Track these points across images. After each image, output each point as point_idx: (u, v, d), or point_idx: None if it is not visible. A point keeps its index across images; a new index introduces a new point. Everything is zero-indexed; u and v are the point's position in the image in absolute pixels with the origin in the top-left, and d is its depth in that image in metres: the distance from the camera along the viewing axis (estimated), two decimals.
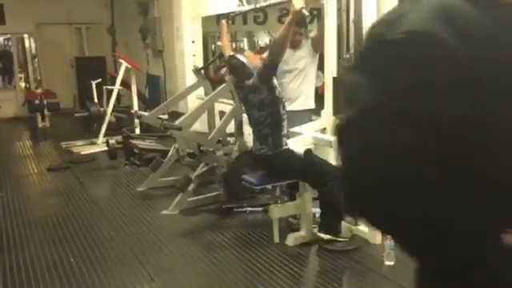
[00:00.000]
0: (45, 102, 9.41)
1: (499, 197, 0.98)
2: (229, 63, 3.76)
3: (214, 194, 4.64)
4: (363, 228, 3.72)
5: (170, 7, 8.51)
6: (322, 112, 3.99)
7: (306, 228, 3.70)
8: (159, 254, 3.65)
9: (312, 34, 4.60)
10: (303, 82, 4.47)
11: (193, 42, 8.20)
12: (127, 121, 7.83)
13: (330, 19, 3.81)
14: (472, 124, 0.92)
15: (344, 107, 1.04)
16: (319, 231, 3.59)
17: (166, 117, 5.76)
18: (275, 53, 3.48)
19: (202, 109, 4.96)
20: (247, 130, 4.84)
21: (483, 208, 0.93)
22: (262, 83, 3.54)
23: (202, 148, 4.70)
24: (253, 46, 11.22)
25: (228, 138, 5.19)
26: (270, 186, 3.89)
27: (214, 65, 6.80)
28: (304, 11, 3.34)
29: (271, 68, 3.50)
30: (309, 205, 3.70)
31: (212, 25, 9.56)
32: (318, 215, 3.77)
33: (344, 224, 3.71)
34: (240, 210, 4.39)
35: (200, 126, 5.51)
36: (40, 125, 9.44)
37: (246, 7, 5.73)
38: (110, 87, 7.82)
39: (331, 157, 3.90)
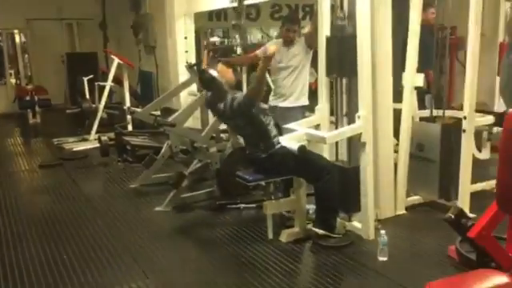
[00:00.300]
0: (36, 98, 9.34)
1: None
2: (201, 78, 3.77)
3: (207, 190, 4.64)
4: (357, 224, 3.75)
5: (162, 3, 8.46)
6: (316, 108, 4.00)
7: (299, 224, 3.71)
8: (153, 251, 3.65)
9: (305, 31, 4.61)
10: (297, 79, 4.48)
11: (185, 37, 8.17)
12: (119, 117, 7.80)
13: (323, 16, 3.81)
14: None
15: None
16: (314, 226, 3.61)
17: (158, 113, 5.76)
18: (253, 98, 3.48)
19: (196, 105, 4.96)
20: None
21: None
22: (235, 115, 3.58)
23: (195, 144, 4.71)
24: (245, 42, 11.19)
25: (221, 135, 5.20)
26: (263, 183, 3.89)
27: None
28: (276, 57, 3.46)
29: (246, 108, 3.51)
30: (303, 201, 3.71)
31: (204, 21, 9.55)
32: (311, 211, 3.79)
33: (338, 220, 3.72)
34: (234, 206, 4.39)
35: (193, 122, 5.50)
36: (31, 121, 9.37)
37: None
38: (102, 83, 7.78)
39: (325, 153, 3.92)
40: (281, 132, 3.80)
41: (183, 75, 7.57)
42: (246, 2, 6.06)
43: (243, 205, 4.39)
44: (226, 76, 3.67)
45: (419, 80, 4.06)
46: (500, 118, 4.13)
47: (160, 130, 5.27)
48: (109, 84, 7.53)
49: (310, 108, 4.42)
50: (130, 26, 10.03)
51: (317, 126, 3.93)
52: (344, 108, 3.93)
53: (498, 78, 5.75)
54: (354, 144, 3.77)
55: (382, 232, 3.35)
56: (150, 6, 9.26)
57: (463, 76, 3.86)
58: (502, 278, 1.83)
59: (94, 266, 3.42)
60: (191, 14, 8.12)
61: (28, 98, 9.36)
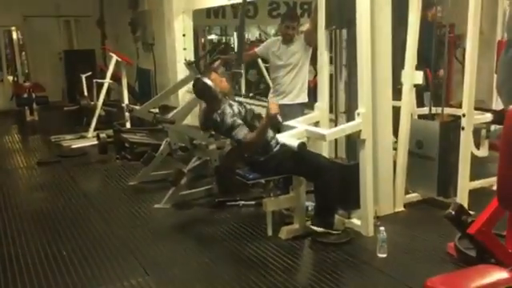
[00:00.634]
0: (33, 95, 9.31)
1: None
2: (195, 87, 3.76)
3: (206, 187, 4.65)
4: (356, 221, 3.76)
5: (161, 0, 8.45)
6: (315, 106, 4.01)
7: (299, 221, 3.72)
8: (152, 248, 3.65)
9: (305, 28, 4.61)
10: (296, 77, 4.49)
11: (183, 35, 8.16)
12: (117, 114, 7.79)
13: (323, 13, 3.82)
14: None
15: None
16: (312, 224, 3.62)
17: (156, 111, 5.74)
18: (247, 148, 3.55)
19: (195, 102, 4.95)
20: None
21: None
22: (228, 134, 3.65)
23: (194, 142, 4.70)
24: (208, 71, 11.16)
25: None
26: (263, 180, 3.90)
27: (205, 60, 6.79)
28: (278, 117, 3.42)
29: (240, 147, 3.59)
30: (302, 198, 3.72)
31: (202, 18, 9.53)
32: (310, 208, 3.80)
33: (337, 217, 3.74)
34: (233, 203, 4.40)
35: (192, 119, 5.50)
36: (28, 119, 9.34)
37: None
38: (100, 81, 7.76)
39: (324, 150, 3.93)
40: (280, 130, 3.81)
41: (181, 73, 7.57)
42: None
43: (242, 202, 4.39)
44: (220, 85, 3.68)
45: (418, 78, 4.07)
46: (498, 116, 4.17)
47: (158, 127, 5.27)
48: (107, 81, 7.52)
49: (310, 105, 4.43)
50: (128, 23, 10.02)
51: (316, 123, 3.93)
52: (343, 105, 3.94)
53: (495, 76, 5.78)
54: (353, 141, 3.79)
55: (382, 229, 3.36)
56: (148, 3, 9.25)
57: (461, 74, 3.88)
58: (503, 274, 1.84)
59: (94, 263, 3.42)
60: (190, 12, 8.11)
61: (25, 95, 9.32)
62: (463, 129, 3.80)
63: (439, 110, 4.19)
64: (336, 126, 3.89)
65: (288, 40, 4.51)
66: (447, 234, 3.44)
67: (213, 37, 12.11)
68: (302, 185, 3.69)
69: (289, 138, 3.57)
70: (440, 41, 4.27)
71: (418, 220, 3.94)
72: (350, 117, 3.82)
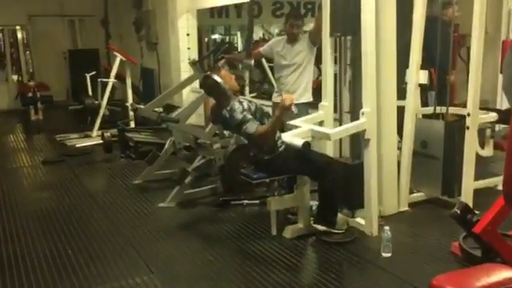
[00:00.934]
0: (38, 94, 9.32)
1: None
2: (204, 83, 3.76)
3: (210, 186, 4.65)
4: (360, 220, 3.76)
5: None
6: (320, 105, 4.01)
7: (303, 220, 3.73)
8: (157, 246, 3.66)
9: (309, 28, 4.61)
10: (301, 76, 4.49)
11: (188, 34, 8.17)
12: (121, 114, 7.81)
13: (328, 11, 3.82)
14: None
15: None
16: (315, 222, 3.62)
17: (161, 110, 5.75)
18: (261, 142, 3.52)
19: (199, 102, 4.96)
20: None
21: None
22: (237, 130, 3.63)
23: (198, 141, 4.71)
24: (217, 68, 11.18)
25: (225, 131, 5.20)
26: (267, 180, 3.90)
27: (210, 59, 6.81)
28: (293, 108, 3.37)
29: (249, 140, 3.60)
30: (306, 197, 3.72)
31: (206, 18, 9.55)
32: (314, 208, 3.80)
33: (340, 216, 3.74)
34: (237, 202, 4.40)
35: (196, 119, 5.51)
36: (33, 118, 9.35)
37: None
38: (104, 80, 7.78)
39: (329, 149, 3.93)
40: (284, 129, 3.81)
41: (185, 72, 7.58)
42: None
43: (247, 201, 4.40)
44: (229, 82, 3.67)
45: (423, 77, 4.07)
46: (503, 115, 4.16)
47: (163, 126, 5.28)
48: (111, 81, 7.54)
49: (314, 105, 4.42)
50: (132, 22, 10.04)
51: (320, 123, 3.94)
52: (347, 105, 3.94)
53: (500, 76, 5.76)
54: (358, 141, 3.79)
55: (386, 228, 3.36)
56: (152, 3, 9.27)
57: (465, 73, 3.87)
58: (509, 273, 1.85)
59: (99, 261, 3.43)
60: (194, 11, 8.12)
61: (30, 94, 9.34)
62: (468, 128, 3.79)
63: (444, 109, 4.18)
64: (340, 125, 3.89)
65: (292, 39, 4.51)
66: (451, 233, 3.44)
67: (216, 36, 12.12)
68: (306, 184, 3.70)
69: (293, 137, 3.57)
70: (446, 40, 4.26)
71: (422, 219, 3.94)
72: (354, 116, 3.83)
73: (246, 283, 3.07)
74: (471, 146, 3.84)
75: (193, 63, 5.31)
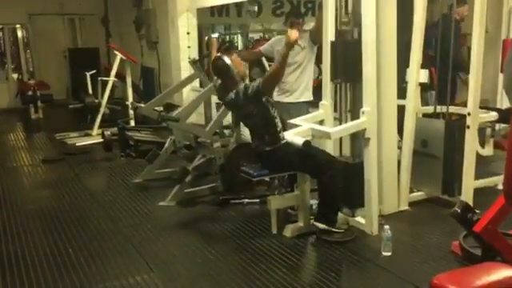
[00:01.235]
0: (38, 93, 9.34)
1: None
2: (214, 64, 3.75)
3: (211, 185, 4.66)
4: (360, 219, 3.76)
5: None
6: (320, 104, 4.01)
7: (303, 219, 3.73)
8: (157, 245, 3.66)
9: (310, 27, 4.61)
10: (302, 75, 4.49)
11: (188, 33, 8.16)
12: (121, 112, 7.81)
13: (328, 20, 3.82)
14: None
15: None
16: (315, 221, 3.63)
17: (161, 109, 5.76)
18: (268, 85, 3.49)
19: (199, 100, 4.96)
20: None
21: None
22: (249, 101, 3.55)
23: (199, 140, 4.72)
24: (246, 39, 11.20)
25: (225, 130, 5.21)
26: (267, 178, 3.90)
27: (209, 58, 6.80)
28: (299, 42, 3.33)
29: (263, 95, 3.50)
30: (307, 196, 3.72)
31: (206, 17, 9.54)
32: (314, 206, 3.80)
33: (341, 215, 3.74)
34: (237, 201, 4.40)
35: (196, 118, 5.51)
36: (33, 116, 9.37)
37: None
38: (104, 79, 7.78)
39: (329, 148, 3.93)
40: (285, 127, 3.81)
41: (185, 71, 7.58)
42: None
43: (247, 200, 4.40)
44: (238, 67, 3.66)
45: (423, 76, 4.07)
46: (504, 115, 4.16)
47: (163, 125, 5.28)
48: (112, 79, 7.53)
49: (315, 104, 4.42)
50: (132, 21, 10.03)
51: (321, 122, 3.94)
52: (348, 104, 3.94)
53: (500, 75, 5.77)
54: (358, 140, 3.79)
55: (386, 227, 3.36)
56: (152, 2, 9.26)
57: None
58: (509, 272, 1.85)
59: (99, 260, 3.43)
60: (194, 10, 8.11)
61: (30, 93, 9.36)
62: (468, 127, 3.79)
63: (444, 108, 4.18)
64: (341, 124, 3.89)
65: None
66: (452, 232, 3.45)
67: (217, 35, 12.10)
68: (306, 182, 3.70)
69: (294, 136, 3.58)
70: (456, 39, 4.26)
71: (422, 218, 3.95)
72: (354, 115, 3.83)
73: (247, 282, 3.07)
74: (471, 146, 3.84)
75: (193, 62, 5.32)
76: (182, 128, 4.74)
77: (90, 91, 8.07)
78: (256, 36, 11.51)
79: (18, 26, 10.77)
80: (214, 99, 5.57)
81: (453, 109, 4.25)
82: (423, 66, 4.15)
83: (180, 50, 8.16)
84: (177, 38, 8.24)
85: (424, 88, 4.45)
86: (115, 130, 6.32)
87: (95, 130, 7.32)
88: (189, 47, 8.14)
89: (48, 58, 11.02)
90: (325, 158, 3.59)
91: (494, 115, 4.23)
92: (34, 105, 9.36)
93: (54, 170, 5.86)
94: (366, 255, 3.37)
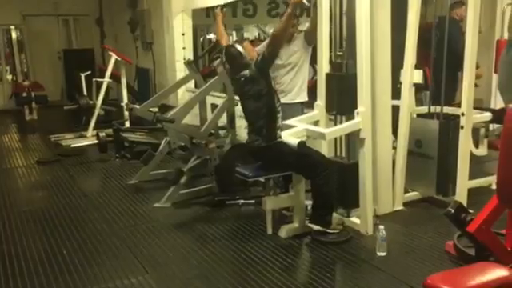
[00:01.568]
0: (32, 94, 9.30)
1: None
2: (226, 52, 3.75)
3: (206, 186, 4.65)
4: (355, 219, 3.77)
5: None
6: (315, 105, 4.01)
7: (298, 220, 3.73)
8: (152, 246, 3.66)
9: (305, 27, 4.61)
10: (296, 76, 4.48)
11: (183, 34, 8.15)
12: (116, 114, 7.79)
13: (323, 10, 3.83)
14: None
15: None
16: (310, 222, 3.63)
17: (156, 110, 5.75)
18: (275, 45, 3.51)
19: (194, 101, 4.96)
20: (239, 123, 4.86)
21: None
22: (260, 74, 3.56)
23: (194, 141, 4.71)
24: (241, 40, 11.19)
25: (220, 131, 5.20)
26: (262, 179, 3.90)
27: (204, 58, 6.80)
28: (304, 1, 3.30)
29: (270, 60, 3.53)
30: (302, 197, 3.73)
31: (202, 18, 9.53)
32: (310, 207, 3.80)
33: (336, 215, 3.75)
34: (232, 202, 4.40)
35: (191, 119, 5.50)
36: (28, 118, 9.34)
37: None
38: (99, 80, 7.76)
39: (324, 149, 3.94)
40: (281, 128, 3.81)
41: (180, 72, 7.57)
42: None
43: (242, 201, 4.40)
44: (250, 54, 3.68)
45: (417, 76, 4.08)
46: (497, 115, 4.18)
47: (158, 126, 5.27)
48: (106, 80, 7.52)
49: (309, 104, 4.43)
50: (127, 22, 10.01)
51: (316, 123, 3.94)
52: None
53: (494, 76, 5.80)
54: (353, 140, 3.80)
55: (381, 227, 3.37)
56: (147, 2, 9.24)
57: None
58: (502, 271, 1.86)
59: (94, 261, 3.43)
60: (189, 11, 8.10)
61: (25, 94, 9.32)
62: (462, 128, 3.81)
63: (438, 108, 4.19)
64: (336, 125, 3.90)
65: (288, 39, 4.50)
66: (446, 232, 3.46)
67: (212, 36, 12.09)
68: (301, 183, 3.70)
69: (289, 136, 3.58)
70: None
71: (417, 219, 3.96)
72: (349, 116, 3.83)
73: (242, 283, 3.07)
74: (465, 146, 3.86)
75: (188, 63, 5.32)
76: (177, 129, 4.73)
77: (85, 92, 8.05)
78: (251, 37, 11.52)
79: (12, 26, 10.71)
80: (209, 100, 5.57)
81: (447, 109, 4.26)
82: (423, 67, 4.19)
83: (175, 50, 8.14)
84: (172, 38, 8.22)
85: (418, 88, 4.47)
86: (110, 131, 6.32)
87: (90, 132, 7.30)
88: (184, 48, 8.13)
89: (42, 59, 10.98)
90: (319, 159, 3.59)
91: (487, 115, 4.25)
92: (29, 106, 9.33)
93: (49, 172, 5.84)
94: (361, 255, 3.38)
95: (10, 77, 10.89)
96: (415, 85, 4.13)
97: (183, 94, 7.40)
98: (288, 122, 3.82)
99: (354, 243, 3.55)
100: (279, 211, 3.97)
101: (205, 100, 5.48)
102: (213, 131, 4.94)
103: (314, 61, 4.50)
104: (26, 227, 4.11)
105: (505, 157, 2.13)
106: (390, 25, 3.76)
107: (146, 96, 7.47)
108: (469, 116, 3.80)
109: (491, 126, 4.78)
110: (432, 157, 4.03)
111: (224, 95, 5.02)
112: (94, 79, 8.00)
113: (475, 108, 4.00)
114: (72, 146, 7.00)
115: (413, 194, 4.25)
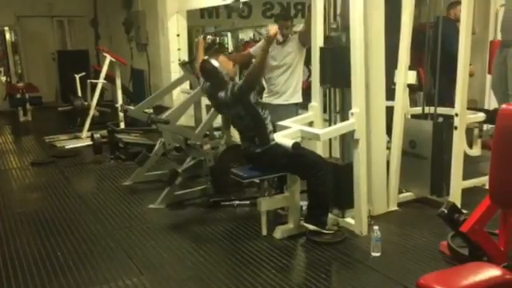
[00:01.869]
0: (26, 95, 9.27)
1: None
2: (202, 68, 3.75)
3: (201, 187, 4.64)
4: (350, 220, 3.78)
5: (155, 0, 8.44)
6: (310, 106, 4.02)
7: (293, 221, 3.74)
8: (147, 248, 3.65)
9: (299, 29, 4.63)
10: (291, 77, 4.50)
11: (177, 35, 8.15)
12: (110, 115, 7.78)
13: (317, 11, 3.84)
14: None
15: None
16: (305, 222, 3.64)
17: (151, 111, 5.75)
18: (253, 80, 3.49)
19: (189, 103, 4.96)
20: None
21: None
22: (235, 101, 3.55)
23: (189, 142, 4.71)
24: (236, 41, 11.20)
25: (215, 132, 5.21)
26: (257, 180, 3.91)
27: (195, 59, 6.80)
28: (278, 37, 3.35)
29: (247, 92, 3.49)
30: (297, 197, 3.73)
31: (197, 18, 9.53)
32: (305, 208, 3.81)
33: (331, 216, 3.76)
34: (228, 203, 4.40)
35: (186, 120, 5.50)
36: (22, 119, 9.31)
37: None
38: (94, 81, 7.75)
39: (319, 150, 3.94)
40: (275, 129, 3.82)
41: (175, 73, 7.58)
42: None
43: (237, 202, 4.40)
44: (227, 67, 3.66)
45: (411, 77, 4.10)
46: (491, 115, 4.21)
47: (153, 127, 5.27)
48: (101, 81, 7.50)
49: (304, 105, 4.44)
50: (122, 23, 10.00)
51: (310, 123, 3.95)
52: (337, 105, 3.96)
53: (488, 76, 5.83)
54: (347, 141, 3.81)
55: (375, 228, 3.38)
56: (141, 4, 9.24)
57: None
58: (495, 271, 1.87)
59: (88, 263, 3.42)
60: (184, 12, 8.10)
61: (19, 95, 9.29)
62: (456, 128, 3.83)
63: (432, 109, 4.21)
64: (330, 125, 3.91)
65: (282, 40, 4.52)
66: (440, 232, 3.48)
67: (202, 36, 12.09)
68: (296, 184, 3.71)
69: (283, 137, 3.59)
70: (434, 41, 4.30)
71: (411, 219, 3.97)
72: (343, 117, 3.85)
73: (237, 284, 3.07)
74: (459, 146, 3.87)
75: (183, 64, 5.32)
76: (172, 130, 4.73)
77: (80, 93, 8.03)
78: (246, 38, 11.52)
79: (6, 27, 10.67)
80: (204, 101, 5.57)
81: (441, 110, 4.28)
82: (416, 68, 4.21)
83: (170, 52, 8.15)
84: (167, 39, 8.23)
85: (412, 89, 4.49)
86: (105, 132, 6.31)
87: (84, 133, 7.29)
88: (179, 49, 8.14)
89: (37, 61, 10.95)
90: (314, 159, 3.60)
91: (481, 116, 4.27)
92: (23, 107, 9.30)
93: (43, 173, 5.82)
94: (356, 256, 3.39)
95: (3, 78, 10.85)
96: (409, 86, 4.14)
97: (178, 95, 7.40)
98: (283, 122, 3.83)
99: (348, 244, 3.56)
100: (274, 211, 3.97)
101: (200, 101, 5.49)
102: (208, 132, 4.95)
103: (308, 62, 4.52)
104: (21, 229, 4.09)
105: (497, 157, 2.14)
106: (383, 26, 3.77)
107: (141, 97, 7.46)
108: (462, 116, 3.82)
109: (485, 127, 4.81)
110: (426, 157, 4.05)
111: None
112: (88, 80, 7.98)
113: (469, 108, 4.02)
114: (66, 147, 6.99)
115: (407, 195, 4.26)
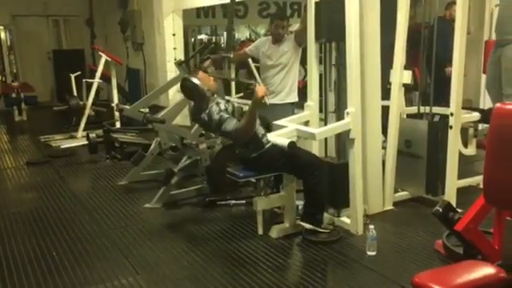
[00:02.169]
0: (22, 95, 9.24)
1: None
2: (182, 86, 3.75)
3: (197, 187, 4.65)
4: (345, 219, 3.79)
5: None
6: (305, 105, 4.03)
7: (289, 220, 3.74)
8: (143, 247, 3.65)
9: (295, 28, 4.63)
10: (287, 76, 4.51)
11: (173, 34, 8.13)
12: (106, 114, 7.77)
13: (313, 11, 3.84)
14: None
15: None
16: (301, 221, 3.64)
17: (146, 110, 5.74)
18: (241, 136, 3.53)
19: (185, 102, 4.94)
20: None
21: None
22: (219, 131, 3.68)
23: (184, 141, 4.71)
24: (233, 40, 11.20)
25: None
26: (253, 179, 3.91)
27: (195, 59, 6.79)
28: (265, 99, 3.35)
29: (231, 139, 3.66)
30: (293, 197, 3.74)
31: (193, 18, 9.53)
32: (301, 207, 3.82)
33: (326, 215, 3.76)
34: (223, 202, 4.41)
35: (182, 119, 5.49)
36: (17, 119, 9.28)
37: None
38: (89, 80, 7.73)
39: (314, 149, 3.95)
40: (270, 129, 3.83)
41: (171, 72, 7.55)
42: None
43: (233, 201, 4.40)
44: (207, 83, 3.67)
45: (407, 77, 4.11)
46: (486, 115, 4.22)
47: (148, 126, 5.26)
48: (97, 81, 7.49)
49: (299, 105, 4.45)
50: (118, 22, 9.98)
51: (306, 123, 3.96)
52: (333, 105, 3.97)
53: (483, 76, 5.85)
54: (343, 140, 3.81)
55: (371, 227, 3.39)
56: (137, 3, 9.21)
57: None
58: (489, 269, 1.88)
59: (84, 263, 3.41)
60: (180, 11, 8.09)
61: (14, 95, 9.25)
62: (451, 128, 3.84)
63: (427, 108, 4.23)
64: (326, 125, 3.91)
65: (278, 40, 4.52)
66: (435, 231, 3.49)
67: (203, 36, 12.10)
68: (292, 183, 3.71)
69: (279, 137, 3.59)
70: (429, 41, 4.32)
71: (407, 218, 3.98)
72: (339, 116, 3.85)
73: (233, 283, 3.07)
74: (454, 146, 3.89)
75: (179, 63, 5.30)
76: (168, 129, 4.73)
77: (75, 93, 8.01)
78: (242, 37, 11.54)
79: (1, 27, 10.63)
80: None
81: (436, 109, 4.30)
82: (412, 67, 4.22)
83: (166, 51, 8.12)
84: (162, 39, 8.20)
85: (408, 89, 4.50)
86: (100, 132, 6.29)
87: (80, 132, 7.27)
88: (175, 49, 8.11)
89: (32, 60, 10.91)
90: (310, 159, 3.61)
91: (476, 115, 4.29)
92: (18, 107, 9.27)
93: (39, 173, 5.80)
94: (352, 255, 3.40)
95: None
96: (405, 85, 4.15)
97: (174, 95, 7.38)
98: (278, 122, 3.84)
99: (344, 243, 3.56)
100: (270, 210, 3.97)
101: None
102: (203, 132, 4.94)
103: (304, 61, 4.52)
104: (16, 229, 4.08)
105: (491, 156, 2.15)
106: (379, 26, 3.78)
107: (137, 96, 7.44)
108: (458, 116, 3.83)
109: (480, 126, 4.83)
110: (421, 157, 4.06)
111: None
112: (84, 80, 7.96)
113: (464, 108, 4.04)
114: (62, 146, 6.97)
115: (403, 194, 4.28)
